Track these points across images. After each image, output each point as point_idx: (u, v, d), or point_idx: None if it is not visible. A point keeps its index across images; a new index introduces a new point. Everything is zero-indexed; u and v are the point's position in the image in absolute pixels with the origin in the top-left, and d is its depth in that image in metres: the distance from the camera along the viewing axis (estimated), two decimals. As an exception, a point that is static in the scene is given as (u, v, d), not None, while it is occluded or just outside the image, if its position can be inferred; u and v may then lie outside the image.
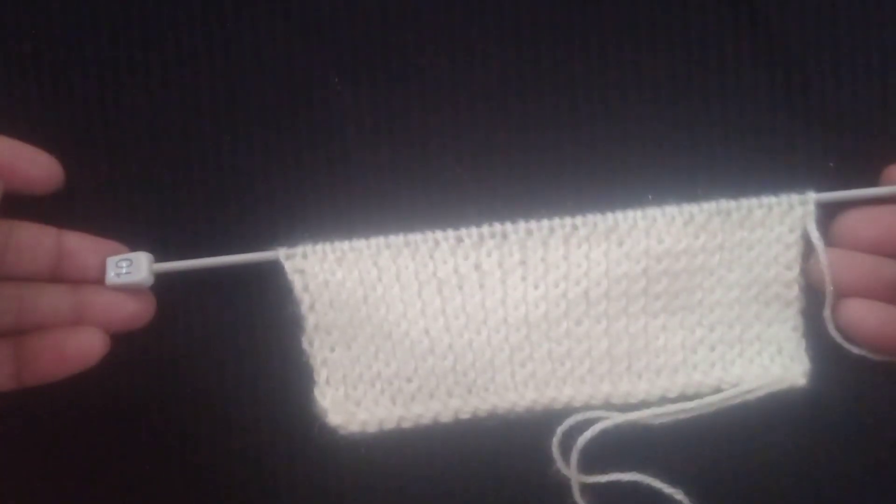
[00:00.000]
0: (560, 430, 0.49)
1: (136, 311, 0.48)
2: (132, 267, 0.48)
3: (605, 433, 0.48)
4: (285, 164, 0.51)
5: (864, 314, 0.46)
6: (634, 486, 0.49)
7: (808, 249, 0.48)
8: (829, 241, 0.48)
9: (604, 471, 0.49)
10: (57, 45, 0.51)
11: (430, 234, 0.48)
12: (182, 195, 0.51)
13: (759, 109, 0.50)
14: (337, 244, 0.48)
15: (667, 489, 0.48)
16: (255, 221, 0.50)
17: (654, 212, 0.48)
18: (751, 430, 0.50)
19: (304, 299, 0.49)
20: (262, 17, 0.50)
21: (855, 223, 0.47)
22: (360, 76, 0.50)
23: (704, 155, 0.50)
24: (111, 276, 0.48)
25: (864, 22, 0.50)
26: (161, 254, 0.49)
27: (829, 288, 0.47)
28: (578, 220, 0.48)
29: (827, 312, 0.47)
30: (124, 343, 0.50)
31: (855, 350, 0.47)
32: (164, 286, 0.49)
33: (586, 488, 0.49)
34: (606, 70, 0.50)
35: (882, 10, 0.50)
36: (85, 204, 0.51)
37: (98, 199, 0.51)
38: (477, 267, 0.49)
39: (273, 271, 0.49)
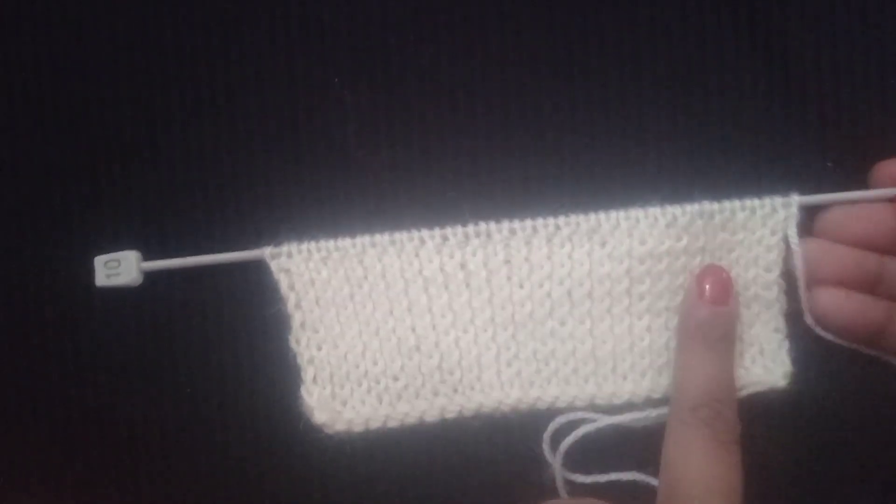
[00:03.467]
0: (547, 435, 0.49)
1: None
2: (121, 268, 0.48)
3: (603, 432, 0.48)
4: (284, 164, 0.51)
5: (840, 303, 0.46)
6: (634, 485, 0.48)
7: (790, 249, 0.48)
8: (814, 232, 0.48)
9: (604, 470, 0.49)
10: (55, 44, 0.51)
11: (415, 233, 0.49)
12: (179, 195, 0.51)
13: (757, 110, 0.50)
14: (322, 243, 0.49)
15: None
16: (254, 221, 0.51)
17: (636, 213, 0.48)
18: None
19: (290, 298, 0.49)
20: (263, 17, 0.51)
21: (842, 218, 0.47)
22: (360, 76, 0.51)
23: (702, 155, 0.50)
24: (101, 278, 0.48)
25: (863, 22, 0.50)
26: (148, 252, 0.50)
27: (803, 283, 0.47)
28: (561, 220, 0.48)
29: (804, 303, 0.47)
30: (112, 341, 0.51)
31: (830, 338, 0.47)
32: (152, 285, 0.49)
33: (586, 488, 0.49)
34: (607, 71, 0.51)
35: (881, 11, 0.50)
36: (73, 201, 0.51)
37: (87, 195, 0.51)
38: (462, 266, 0.49)
39: (262, 270, 0.49)
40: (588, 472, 0.49)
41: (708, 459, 0.42)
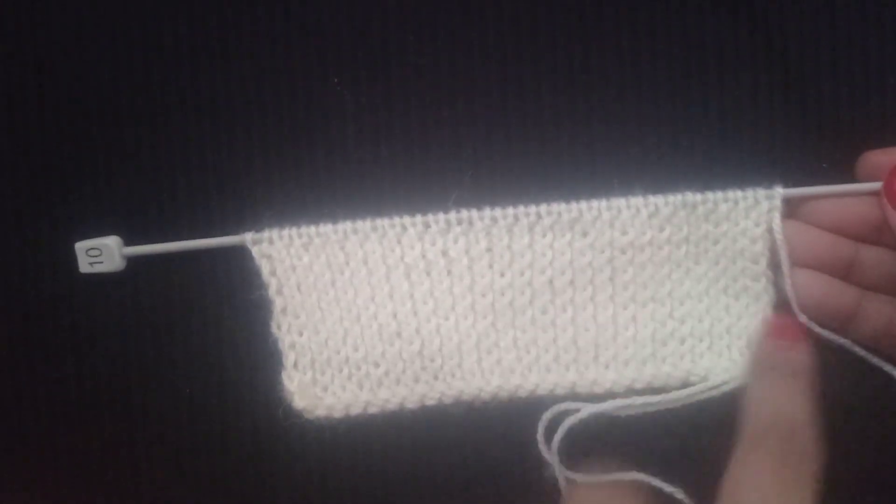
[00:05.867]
0: (540, 435, 0.48)
1: None
2: (103, 254, 0.49)
3: (603, 431, 0.48)
4: (266, 150, 0.51)
5: (809, 283, 0.46)
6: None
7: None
8: (793, 215, 0.48)
9: (605, 469, 0.48)
10: (35, 33, 0.51)
11: (397, 220, 0.48)
12: (161, 180, 0.51)
13: (756, 109, 0.50)
14: (303, 229, 0.49)
15: (667, 488, 0.47)
16: (236, 207, 0.51)
17: (618, 203, 0.47)
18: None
19: (272, 283, 0.49)
20: (263, 17, 0.50)
21: (821, 204, 0.47)
22: (360, 76, 0.50)
23: (701, 153, 0.50)
24: (84, 265, 0.49)
25: (863, 23, 0.49)
26: (130, 238, 0.50)
27: (787, 273, 0.47)
28: (543, 209, 0.48)
29: (789, 292, 0.47)
30: (93, 327, 0.51)
31: (812, 327, 0.46)
32: (134, 270, 0.50)
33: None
34: (607, 70, 0.50)
35: (881, 11, 0.49)
36: (55, 187, 0.51)
37: (68, 181, 0.51)
38: (444, 253, 0.49)
39: (243, 256, 0.49)
40: (589, 471, 0.48)
41: (774, 483, 0.40)
